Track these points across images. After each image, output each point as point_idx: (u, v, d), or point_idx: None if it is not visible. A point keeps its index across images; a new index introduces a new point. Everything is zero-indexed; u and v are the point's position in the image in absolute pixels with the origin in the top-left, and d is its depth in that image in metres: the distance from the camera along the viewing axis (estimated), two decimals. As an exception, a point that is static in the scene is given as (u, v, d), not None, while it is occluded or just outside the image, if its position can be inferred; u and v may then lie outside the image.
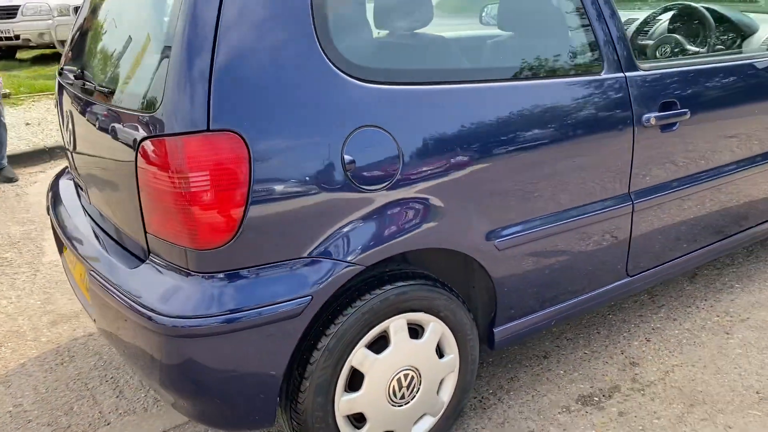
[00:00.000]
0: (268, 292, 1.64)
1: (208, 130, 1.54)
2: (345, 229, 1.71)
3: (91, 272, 1.88)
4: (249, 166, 1.57)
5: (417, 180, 1.78)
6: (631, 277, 2.41)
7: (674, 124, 2.26)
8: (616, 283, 2.37)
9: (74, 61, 2.23)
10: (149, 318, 1.62)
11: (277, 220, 1.62)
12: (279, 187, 1.60)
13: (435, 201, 1.82)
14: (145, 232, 1.72)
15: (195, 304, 1.60)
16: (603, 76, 2.10)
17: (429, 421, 2.03)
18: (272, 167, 1.59)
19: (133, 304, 1.67)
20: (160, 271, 1.69)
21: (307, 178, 1.63)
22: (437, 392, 2.02)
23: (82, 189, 2.21)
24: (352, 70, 1.70)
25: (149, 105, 1.61)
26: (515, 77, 1.97)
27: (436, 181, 1.81)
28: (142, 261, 1.76)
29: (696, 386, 2.35)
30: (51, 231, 2.88)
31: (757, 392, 2.31)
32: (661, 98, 2.21)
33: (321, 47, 1.66)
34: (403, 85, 1.77)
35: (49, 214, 2.43)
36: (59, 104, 2.34)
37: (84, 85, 1.98)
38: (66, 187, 2.49)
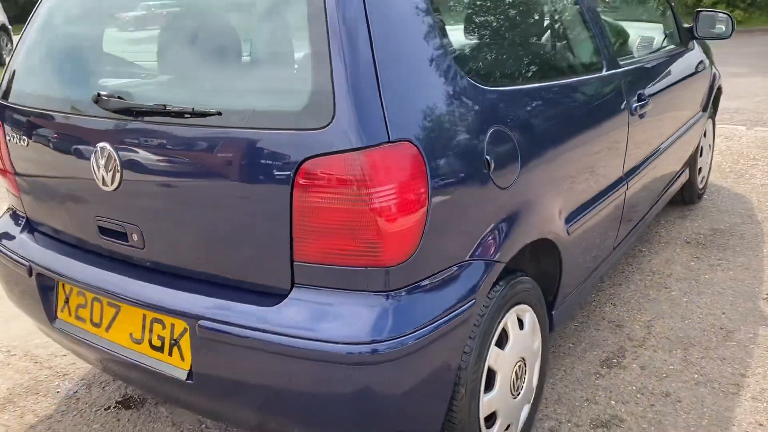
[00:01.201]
0: (444, 301, 1.61)
1: (388, 141, 1.47)
2: (491, 229, 1.74)
3: (205, 325, 1.63)
4: (426, 174, 1.53)
5: (529, 175, 1.87)
6: (615, 249, 2.74)
7: (645, 111, 2.65)
8: (609, 256, 2.68)
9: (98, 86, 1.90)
10: (339, 352, 1.48)
11: (445, 226, 1.60)
12: (446, 194, 1.59)
13: (539, 193, 1.94)
14: (292, 262, 1.56)
15: (391, 324, 1.51)
16: (605, 73, 2.40)
17: (527, 408, 2.12)
18: (440, 174, 1.57)
19: (307, 341, 1.51)
20: (324, 300, 1.55)
21: (465, 182, 1.64)
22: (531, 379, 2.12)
23: (104, 237, 1.88)
24: (478, 76, 1.74)
25: (311, 121, 1.48)
26: (574, 74, 2.19)
27: (538, 174, 1.92)
28: (280, 295, 1.59)
29: (677, 333, 2.75)
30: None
31: (720, 328, 2.78)
32: (636, 90, 2.58)
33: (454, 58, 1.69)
34: (510, 86, 1.85)
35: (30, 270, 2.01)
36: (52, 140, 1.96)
37: (165, 109, 1.67)
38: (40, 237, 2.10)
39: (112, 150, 1.75)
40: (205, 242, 1.69)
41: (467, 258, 1.67)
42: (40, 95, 2.03)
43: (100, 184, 1.81)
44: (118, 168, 1.75)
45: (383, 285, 1.52)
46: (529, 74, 2.03)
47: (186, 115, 1.64)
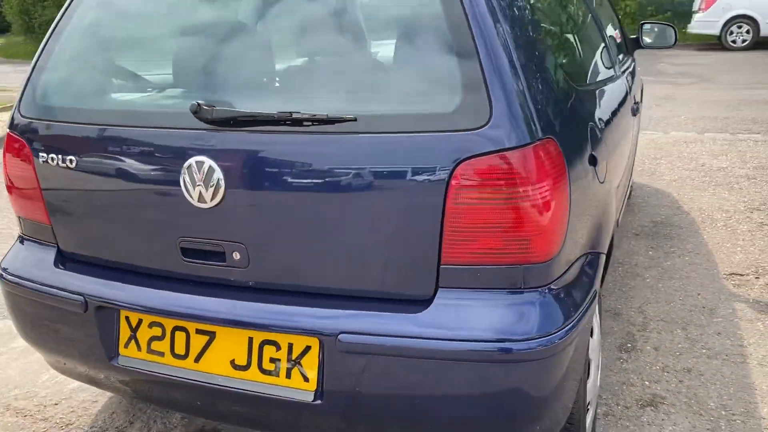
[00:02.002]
0: (582, 294, 1.67)
1: (540, 139, 1.51)
2: (597, 222, 1.82)
3: (346, 339, 1.55)
4: (566, 170, 1.58)
5: (608, 168, 1.99)
6: None
7: (638, 112, 2.88)
8: None
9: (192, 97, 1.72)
10: (497, 350, 1.49)
11: (576, 221, 1.66)
12: (577, 189, 1.65)
13: (612, 185, 2.06)
14: (439, 265, 1.54)
15: (545, 320, 1.54)
16: (618, 76, 2.59)
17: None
18: (572, 170, 1.63)
19: (463, 343, 1.50)
20: (475, 300, 1.54)
21: (585, 178, 1.71)
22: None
23: (192, 259, 1.73)
24: (569, 77, 1.83)
25: (466, 122, 1.47)
26: (609, 77, 2.35)
27: (610, 168, 2.05)
28: (422, 300, 1.57)
29: (670, 315, 2.99)
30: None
31: (703, 307, 3.06)
32: (632, 93, 2.81)
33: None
34: (584, 87, 1.96)
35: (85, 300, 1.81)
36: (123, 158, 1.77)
37: (290, 117, 1.57)
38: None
39: (212, 164, 1.63)
40: (331, 256, 1.62)
41: (588, 251, 1.74)
42: (97, 109, 1.84)
43: (193, 201, 1.66)
44: (221, 183, 1.63)
45: (535, 282, 1.55)
46: (589, 76, 2.15)
47: (308, 123, 1.56)
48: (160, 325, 1.78)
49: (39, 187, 1.92)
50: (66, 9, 1.95)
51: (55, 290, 1.89)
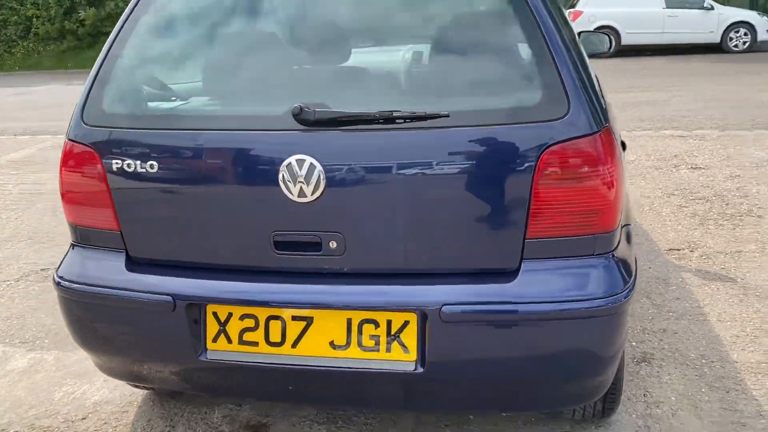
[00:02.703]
0: (629, 259, 1.95)
1: (606, 126, 1.79)
2: (626, 198, 2.13)
3: (449, 310, 1.75)
4: (618, 152, 1.87)
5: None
6: None
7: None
8: None
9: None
10: (593, 306, 1.75)
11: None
12: (621, 167, 1.94)
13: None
14: (524, 240, 1.78)
15: (620, 280, 1.81)
16: None
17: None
18: (618, 151, 1.92)
19: (554, 304, 1.74)
20: (557, 268, 1.79)
21: (620, 157, 1.99)
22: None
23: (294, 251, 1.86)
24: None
25: (548, 113, 1.72)
26: None
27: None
28: (508, 272, 1.79)
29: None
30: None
31: (657, 278, 3.49)
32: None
33: None
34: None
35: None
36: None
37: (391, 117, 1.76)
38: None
39: (313, 161, 1.77)
40: (424, 238, 1.80)
41: (625, 223, 2.03)
42: (179, 115, 1.92)
43: (292, 196, 1.79)
44: (321, 178, 1.78)
45: (602, 249, 1.82)
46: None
47: (401, 120, 1.75)
48: (253, 316, 1.89)
49: (109, 194, 1.95)
50: (130, 12, 2.00)
51: (136, 293, 1.93)
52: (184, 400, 2.59)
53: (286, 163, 1.79)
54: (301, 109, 1.74)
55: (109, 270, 2.00)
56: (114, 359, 2.09)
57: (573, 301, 1.75)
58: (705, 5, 14.66)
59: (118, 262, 2.01)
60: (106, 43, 2.02)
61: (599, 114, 1.77)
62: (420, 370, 1.80)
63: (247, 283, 1.91)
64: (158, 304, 1.90)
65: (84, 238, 2.07)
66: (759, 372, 2.60)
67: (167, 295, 1.90)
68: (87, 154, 1.96)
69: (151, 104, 2.00)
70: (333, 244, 1.83)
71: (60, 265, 2.11)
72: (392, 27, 1.94)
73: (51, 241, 4.44)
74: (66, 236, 2.18)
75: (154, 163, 1.89)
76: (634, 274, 1.91)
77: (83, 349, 2.14)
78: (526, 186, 1.74)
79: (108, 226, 2.00)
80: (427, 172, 1.77)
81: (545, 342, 1.78)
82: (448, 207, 1.78)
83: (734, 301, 3.18)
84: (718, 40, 14.65)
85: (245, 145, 1.85)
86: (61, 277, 2.06)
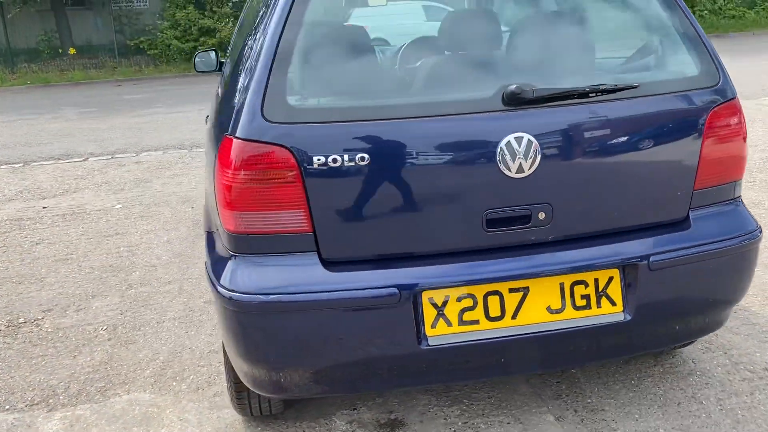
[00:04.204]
0: None
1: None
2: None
3: (656, 259, 1.99)
4: None
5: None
6: None
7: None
8: None
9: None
10: (747, 241, 2.12)
11: None
12: None
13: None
14: (692, 192, 2.08)
15: (752, 218, 2.20)
16: None
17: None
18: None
19: (725, 241, 2.09)
20: (718, 212, 2.13)
21: None
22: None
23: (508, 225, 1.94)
24: None
25: (708, 82, 2.06)
26: None
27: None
28: (678, 221, 2.08)
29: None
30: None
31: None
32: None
33: None
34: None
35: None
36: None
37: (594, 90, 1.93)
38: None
39: (530, 137, 1.88)
40: (618, 200, 2.01)
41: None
42: (383, 104, 1.88)
43: (510, 173, 1.88)
44: (538, 153, 1.89)
45: (737, 194, 2.20)
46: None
47: (596, 93, 1.95)
48: (470, 296, 1.93)
49: (304, 194, 1.84)
50: None
51: (351, 291, 1.85)
52: (293, 418, 2.44)
53: (504, 141, 1.87)
54: (520, 89, 1.84)
55: (304, 274, 1.88)
56: (301, 368, 1.95)
57: (738, 237, 2.10)
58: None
59: (312, 264, 1.89)
60: (270, 32, 1.86)
61: (732, 82, 2.14)
62: (628, 318, 2.01)
63: (462, 264, 1.94)
64: (383, 298, 1.85)
65: (255, 245, 1.90)
66: None
67: (393, 287, 1.85)
68: (274, 154, 1.81)
69: (347, 96, 1.91)
70: (542, 215, 1.95)
71: (220, 277, 1.91)
72: (579, 17, 2.16)
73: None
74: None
75: (365, 155, 1.83)
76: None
77: (252, 365, 1.95)
78: (697, 142, 2.05)
79: (296, 229, 1.87)
80: (621, 138, 1.99)
81: (720, 274, 2.11)
82: (636, 168, 2.02)
83: None
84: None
85: (459, 129, 1.89)
86: (233, 291, 1.87)
